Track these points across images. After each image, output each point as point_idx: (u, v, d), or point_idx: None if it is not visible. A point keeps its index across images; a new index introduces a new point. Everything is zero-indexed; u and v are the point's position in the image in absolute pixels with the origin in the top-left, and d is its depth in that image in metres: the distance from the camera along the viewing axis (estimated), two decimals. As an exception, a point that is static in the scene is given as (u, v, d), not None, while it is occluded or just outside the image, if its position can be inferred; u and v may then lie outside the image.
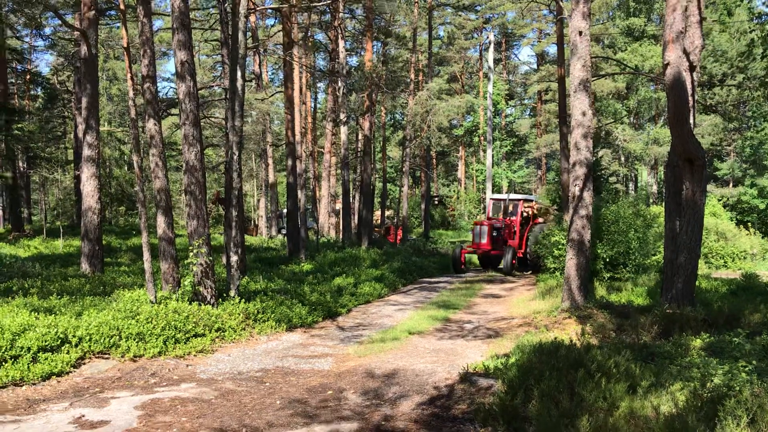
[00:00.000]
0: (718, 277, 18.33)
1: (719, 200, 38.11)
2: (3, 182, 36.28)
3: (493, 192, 40.84)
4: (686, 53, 10.49)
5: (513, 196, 26.12)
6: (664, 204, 12.30)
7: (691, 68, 10.76)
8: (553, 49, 50.44)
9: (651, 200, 49.35)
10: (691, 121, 10.68)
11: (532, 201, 26.16)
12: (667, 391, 6.13)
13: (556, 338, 8.29)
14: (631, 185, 55.01)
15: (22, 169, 40.32)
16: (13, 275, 15.75)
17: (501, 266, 23.37)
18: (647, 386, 6.26)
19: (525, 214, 25.44)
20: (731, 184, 46.45)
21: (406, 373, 8.58)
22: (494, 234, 23.87)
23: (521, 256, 24.31)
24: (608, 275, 16.13)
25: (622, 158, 49.74)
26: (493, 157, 41.16)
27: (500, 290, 18.89)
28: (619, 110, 47.42)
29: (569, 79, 12.92)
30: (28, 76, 46.06)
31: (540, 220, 25.35)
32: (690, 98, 10.53)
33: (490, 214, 25.84)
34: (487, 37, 46.26)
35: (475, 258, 28.11)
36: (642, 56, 41.52)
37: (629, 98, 48.64)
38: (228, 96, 16.28)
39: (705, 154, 10.68)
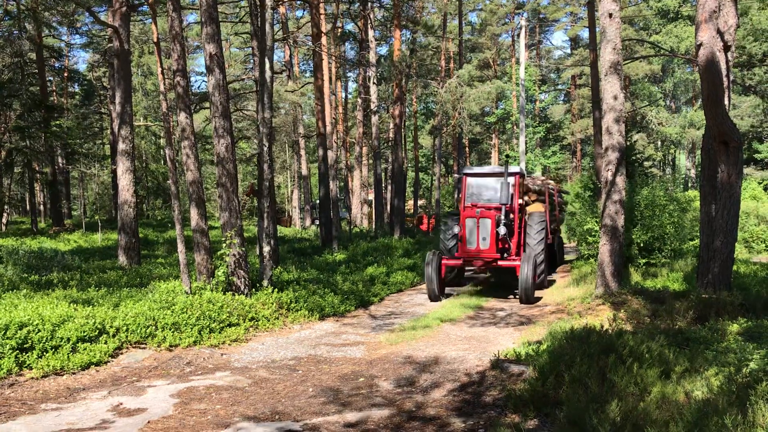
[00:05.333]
0: (758, 261, 17.94)
1: (760, 183, 37.16)
2: (43, 178, 37.13)
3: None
4: (720, 33, 10.24)
5: (497, 168, 17.42)
6: (699, 187, 12.08)
7: (726, 48, 10.51)
8: (586, 33, 49.68)
9: (690, 184, 48.41)
10: (727, 102, 10.45)
11: (523, 175, 17.77)
12: (701, 376, 6.05)
13: (587, 324, 8.22)
14: (668, 170, 54.04)
15: (61, 165, 41.27)
16: (53, 268, 16.14)
17: (518, 291, 14.06)
18: (681, 371, 6.19)
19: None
20: (772, 167, 45.29)
21: (438, 361, 8.60)
22: (502, 233, 14.96)
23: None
24: (644, 261, 15.90)
25: (659, 142, 48.85)
26: (526, 143, 40.81)
27: (534, 277, 18.71)
28: (655, 93, 46.49)
29: (600, 62, 12.73)
30: (65, 74, 46.98)
31: (534, 202, 18.54)
32: (725, 79, 10.30)
33: (465, 201, 16.72)
34: (519, 22, 45.76)
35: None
36: (677, 37, 40.60)
37: (665, 81, 47.69)
38: (258, 88, 16.40)
39: (741, 136, 10.45)
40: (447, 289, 16.36)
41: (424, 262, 15.14)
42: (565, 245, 25.98)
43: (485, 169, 17.53)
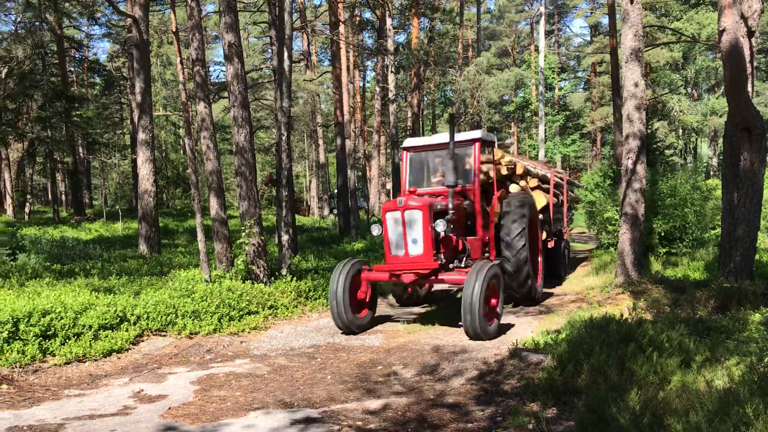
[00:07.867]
0: (781, 250, 17.69)
1: (783, 171, 36.59)
2: (65, 168, 37.54)
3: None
4: (744, 18, 10.07)
5: (444, 136, 11.72)
6: (721, 175, 11.94)
7: (750, 34, 10.34)
8: (606, 20, 49.15)
9: (711, 173, 47.86)
10: (750, 88, 10.29)
11: (491, 144, 12.40)
12: (722, 365, 6.00)
13: (607, 313, 8.17)
14: (689, 158, 53.46)
15: (82, 155, 41.71)
16: (75, 257, 16.34)
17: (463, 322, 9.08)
18: (701, 361, 6.13)
19: (487, 176, 11.93)
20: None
21: (456, 349, 8.60)
22: (440, 230, 9.94)
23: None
24: (664, 250, 15.75)
25: (680, 130, 48.28)
26: (545, 132, 40.47)
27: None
28: (676, 80, 45.93)
29: (621, 49, 12.58)
30: (85, 64, 47.38)
31: (522, 185, 13.85)
32: (748, 65, 10.13)
33: (406, 183, 12.01)
34: (538, 9, 45.34)
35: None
36: (699, 24, 40.09)
37: (686, 68, 47.08)
38: (276, 77, 16.42)
39: (764, 123, 10.29)
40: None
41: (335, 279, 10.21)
42: (584, 233, 25.71)
43: (434, 139, 11.99)
